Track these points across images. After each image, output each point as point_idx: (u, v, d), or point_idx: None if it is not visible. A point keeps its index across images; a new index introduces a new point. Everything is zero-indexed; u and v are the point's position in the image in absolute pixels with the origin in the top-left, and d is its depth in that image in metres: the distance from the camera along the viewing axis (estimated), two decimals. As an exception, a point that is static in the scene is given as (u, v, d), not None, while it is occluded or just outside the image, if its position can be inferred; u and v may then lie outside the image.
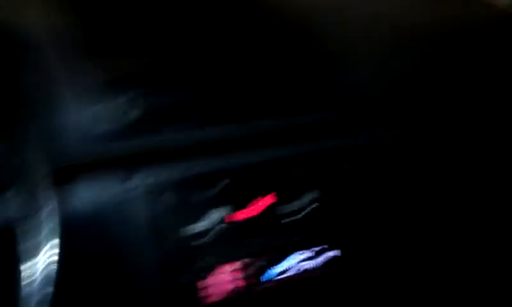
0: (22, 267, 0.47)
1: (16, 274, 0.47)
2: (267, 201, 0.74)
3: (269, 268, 0.74)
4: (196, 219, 0.70)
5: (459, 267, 0.85)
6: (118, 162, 0.65)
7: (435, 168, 0.83)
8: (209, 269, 0.70)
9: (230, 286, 0.72)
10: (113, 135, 0.65)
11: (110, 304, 0.65)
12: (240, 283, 0.72)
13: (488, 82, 0.89)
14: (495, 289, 0.88)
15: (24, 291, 0.46)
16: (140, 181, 0.66)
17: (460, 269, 0.85)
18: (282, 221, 0.74)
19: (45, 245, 0.50)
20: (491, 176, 0.88)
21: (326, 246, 0.77)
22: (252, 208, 0.73)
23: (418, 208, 0.83)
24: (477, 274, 0.87)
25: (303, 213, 0.76)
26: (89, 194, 0.63)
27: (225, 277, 0.71)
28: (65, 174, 0.62)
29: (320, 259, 0.77)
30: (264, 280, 0.73)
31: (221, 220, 0.71)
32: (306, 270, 0.76)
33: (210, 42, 0.77)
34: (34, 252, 0.48)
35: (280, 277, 0.74)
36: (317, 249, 0.77)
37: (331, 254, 0.77)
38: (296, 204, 0.76)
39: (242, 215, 0.73)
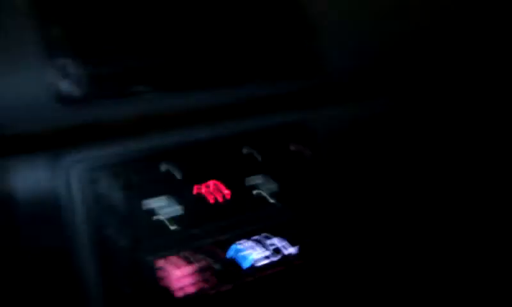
0: None
1: None
2: (213, 184, 0.69)
3: (232, 262, 0.70)
4: (136, 204, 0.64)
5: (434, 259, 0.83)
6: (57, 135, 0.59)
7: (400, 147, 0.81)
8: (153, 263, 0.65)
9: (190, 283, 0.67)
10: (54, 104, 0.58)
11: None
12: (201, 280, 0.68)
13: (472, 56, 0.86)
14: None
15: None
16: (79, 159, 0.60)
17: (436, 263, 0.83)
18: (241, 209, 0.71)
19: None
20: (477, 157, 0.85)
21: (282, 241, 0.73)
22: (198, 192, 0.68)
23: (382, 193, 0.80)
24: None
25: (252, 200, 0.72)
26: (25, 174, 0.57)
27: (173, 273, 0.67)
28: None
29: (276, 256, 0.73)
30: (215, 279, 0.69)
31: (161, 207, 0.66)
32: (262, 267, 0.72)
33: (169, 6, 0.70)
34: None
35: (243, 271, 0.70)
36: (272, 243, 0.73)
37: (288, 250, 0.74)
38: (244, 190, 0.71)
39: (187, 199, 0.67)
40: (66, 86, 0.59)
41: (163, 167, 0.65)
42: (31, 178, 0.57)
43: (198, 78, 0.68)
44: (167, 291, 0.65)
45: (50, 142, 0.58)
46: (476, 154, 0.86)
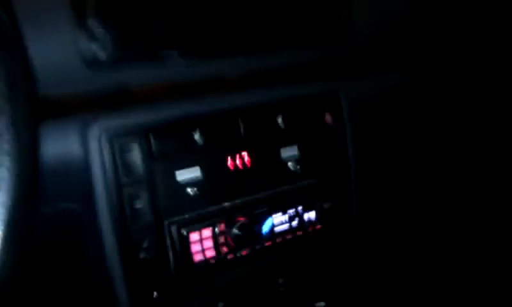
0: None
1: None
2: (237, 151, 0.67)
3: (251, 227, 0.68)
4: (168, 172, 0.63)
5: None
6: (86, 100, 0.56)
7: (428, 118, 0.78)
8: (183, 228, 0.64)
9: (208, 248, 0.66)
10: (83, 68, 0.55)
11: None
12: (219, 245, 0.66)
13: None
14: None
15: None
16: (108, 126, 0.58)
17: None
18: (262, 175, 0.69)
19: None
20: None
21: (303, 207, 0.71)
22: (230, 160, 0.67)
23: (407, 161, 0.78)
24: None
25: (284, 167, 0.70)
26: (53, 139, 0.55)
27: (202, 239, 0.66)
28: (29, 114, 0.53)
29: (296, 221, 0.72)
30: (244, 240, 0.68)
31: (195, 174, 0.64)
32: (281, 232, 0.71)
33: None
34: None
35: (262, 236, 0.69)
36: (292, 209, 0.71)
37: (307, 216, 0.72)
38: (275, 157, 0.70)
39: (219, 167, 0.66)
40: (94, 50, 0.56)
41: (191, 136, 0.63)
42: (59, 143, 0.55)
43: (228, 44, 0.65)
44: (185, 256, 0.64)
45: (78, 107, 0.56)
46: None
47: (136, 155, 0.60)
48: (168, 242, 0.64)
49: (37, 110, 0.44)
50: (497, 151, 0.82)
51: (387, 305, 0.80)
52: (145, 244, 0.62)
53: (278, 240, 0.71)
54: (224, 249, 0.67)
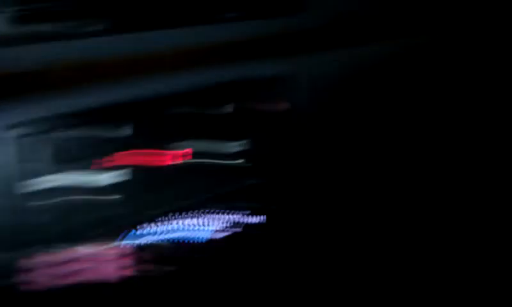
0: None
1: None
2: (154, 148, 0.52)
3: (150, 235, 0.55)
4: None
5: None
6: None
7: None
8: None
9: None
10: None
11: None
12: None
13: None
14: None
15: None
16: None
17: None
18: (199, 173, 0.55)
19: None
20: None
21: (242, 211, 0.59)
22: (130, 161, 0.52)
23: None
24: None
25: (227, 164, 0.57)
26: None
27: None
28: None
29: (234, 228, 0.59)
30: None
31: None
32: (216, 241, 0.58)
33: None
34: None
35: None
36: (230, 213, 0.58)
37: (248, 220, 0.60)
38: (216, 152, 0.56)
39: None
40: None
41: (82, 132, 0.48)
42: None
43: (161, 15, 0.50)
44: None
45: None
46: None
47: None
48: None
49: None
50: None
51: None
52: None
53: (213, 250, 0.58)
54: (146, 267, 0.53)
